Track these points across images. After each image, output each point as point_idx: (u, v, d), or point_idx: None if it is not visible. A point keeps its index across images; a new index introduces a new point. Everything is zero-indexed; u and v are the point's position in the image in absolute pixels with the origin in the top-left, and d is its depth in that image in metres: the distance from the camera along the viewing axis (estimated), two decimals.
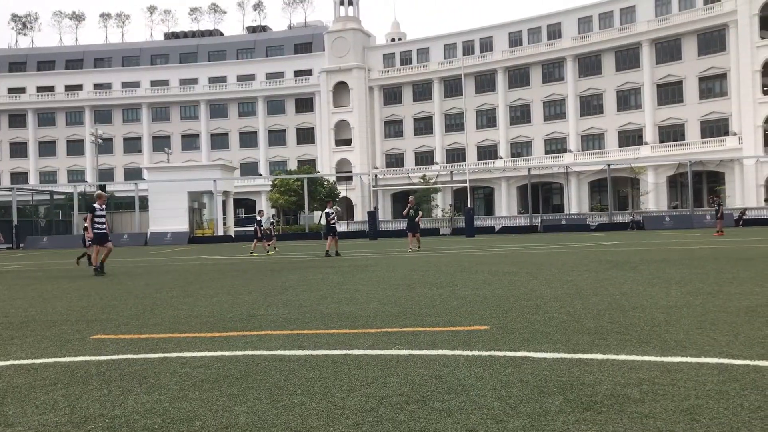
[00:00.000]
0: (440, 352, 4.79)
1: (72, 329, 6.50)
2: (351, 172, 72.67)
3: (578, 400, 3.45)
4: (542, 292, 8.40)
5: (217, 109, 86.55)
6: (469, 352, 4.73)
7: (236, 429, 3.17)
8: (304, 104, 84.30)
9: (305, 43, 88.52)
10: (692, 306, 6.71)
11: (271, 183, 66.65)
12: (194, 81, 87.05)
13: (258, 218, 25.14)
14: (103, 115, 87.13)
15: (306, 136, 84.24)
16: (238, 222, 69.78)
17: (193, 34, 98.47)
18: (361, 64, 79.85)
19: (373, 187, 55.52)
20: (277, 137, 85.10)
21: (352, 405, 3.50)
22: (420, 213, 23.78)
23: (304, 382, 4.03)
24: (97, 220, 14.81)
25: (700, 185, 59.97)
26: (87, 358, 5.00)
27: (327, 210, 21.55)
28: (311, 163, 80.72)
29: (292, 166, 78.64)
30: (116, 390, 3.96)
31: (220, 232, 51.74)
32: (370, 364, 4.47)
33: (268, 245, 24.87)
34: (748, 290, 7.89)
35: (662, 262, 13.25)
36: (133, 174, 78.53)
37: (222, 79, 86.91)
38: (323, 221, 26.33)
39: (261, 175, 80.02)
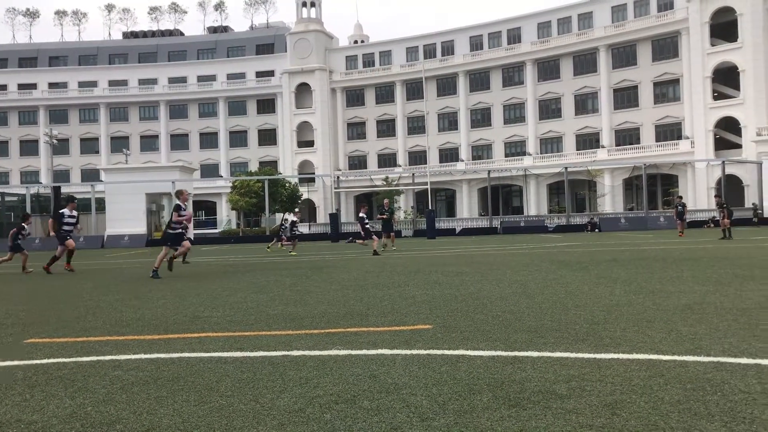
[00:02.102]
0: (379, 351, 4.78)
1: (6, 333, 6.30)
2: (313, 173, 72.41)
3: (506, 396, 3.48)
4: (490, 292, 8.47)
5: (177, 110, 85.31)
6: (408, 351, 4.73)
7: (158, 431, 3.10)
8: (266, 105, 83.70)
9: (267, 44, 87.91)
10: (633, 304, 6.85)
11: (231, 185, 65.92)
12: (154, 81, 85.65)
13: (289, 218, 26.10)
14: (58, 115, 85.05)
15: (268, 137, 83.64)
16: (198, 224, 68.83)
17: (153, 34, 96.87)
18: (323, 65, 79.67)
19: (336, 189, 55.39)
20: (238, 138, 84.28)
21: (281, 405, 3.46)
22: (394, 214, 24.48)
23: (236, 383, 3.97)
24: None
25: (655, 188, 61.47)
26: (16, 362, 4.85)
27: (293, 218, 22.52)
28: (273, 164, 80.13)
29: (254, 167, 77.95)
30: (39, 395, 3.84)
31: None
32: (306, 364, 4.43)
33: (269, 246, 25.80)
34: (688, 289, 8.10)
35: (612, 262, 13.51)
36: (90, 175, 76.80)
37: (182, 80, 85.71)
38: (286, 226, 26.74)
39: (222, 176, 79.13)
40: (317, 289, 9.78)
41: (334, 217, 43.81)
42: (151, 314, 7.38)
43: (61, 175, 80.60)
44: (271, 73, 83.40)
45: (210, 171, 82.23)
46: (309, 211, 72.77)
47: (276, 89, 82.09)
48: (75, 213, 16.80)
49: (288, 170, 77.18)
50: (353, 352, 4.78)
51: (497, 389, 3.63)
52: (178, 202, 13.99)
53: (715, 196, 29.73)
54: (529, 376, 3.90)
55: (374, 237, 21.36)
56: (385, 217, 23.61)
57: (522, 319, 6.12)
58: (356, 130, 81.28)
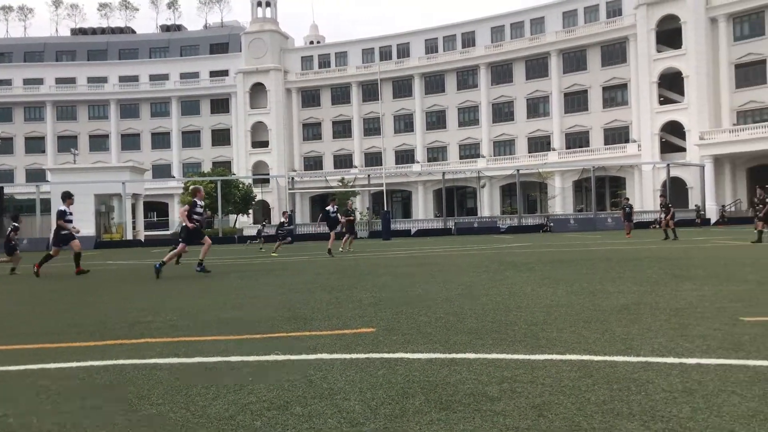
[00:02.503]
0: (319, 356, 4.77)
1: None
2: (268, 174, 71.79)
3: (438, 400, 3.51)
4: (436, 293, 8.55)
5: (129, 109, 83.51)
6: (347, 356, 4.73)
7: None
8: (220, 105, 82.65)
9: (221, 43, 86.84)
10: (572, 305, 7.00)
11: (184, 185, 64.78)
12: (104, 79, 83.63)
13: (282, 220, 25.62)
14: (2, 113, 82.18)
15: (222, 137, 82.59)
16: (149, 226, 67.48)
17: (103, 31, 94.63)
18: (278, 65, 79.09)
19: (290, 190, 55.03)
20: (191, 138, 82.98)
21: (212, 413, 3.41)
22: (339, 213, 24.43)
23: (168, 390, 3.90)
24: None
25: (603, 189, 63.01)
26: None
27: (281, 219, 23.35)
28: (227, 165, 79.15)
29: (207, 168, 76.85)
30: None
31: (130, 237, 49.80)
32: (242, 370, 4.39)
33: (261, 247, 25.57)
34: (627, 289, 8.32)
35: (558, 262, 13.79)
36: (36, 175, 74.38)
37: (134, 78, 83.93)
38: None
39: (174, 177, 77.72)
40: (265, 292, 9.70)
41: (289, 219, 43.43)
42: (91, 320, 7.19)
43: (5, 175, 77.92)
44: (225, 73, 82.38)
45: (162, 171, 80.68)
46: (263, 212, 72.08)
47: (230, 89, 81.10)
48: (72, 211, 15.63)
49: (242, 171, 76.32)
50: (292, 357, 4.75)
51: (430, 392, 3.66)
52: (194, 199, 14.00)
53: (660, 196, 30.67)
54: (463, 379, 3.94)
55: (331, 235, 21.33)
56: (351, 218, 23.82)
57: (464, 320, 6.19)
58: (312, 131, 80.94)
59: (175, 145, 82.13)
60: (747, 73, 55.21)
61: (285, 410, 3.42)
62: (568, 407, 3.30)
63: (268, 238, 26.52)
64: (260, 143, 79.71)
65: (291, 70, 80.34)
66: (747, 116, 55.25)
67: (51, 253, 15.56)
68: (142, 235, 53.78)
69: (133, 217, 53.58)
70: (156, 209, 79.03)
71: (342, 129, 79.37)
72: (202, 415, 3.39)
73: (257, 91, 79.47)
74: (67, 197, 15.27)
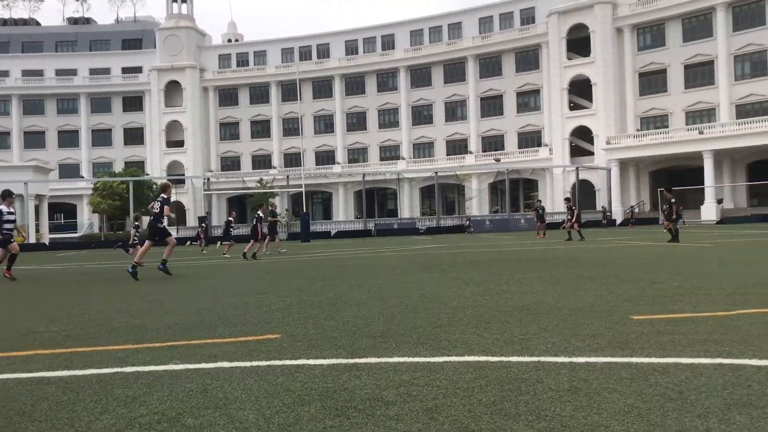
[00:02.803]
0: (219, 364, 4.67)
1: None
2: (183, 175, 69.80)
3: (335, 406, 3.51)
4: (348, 297, 8.56)
5: (33, 105, 79.14)
6: (248, 363, 4.66)
7: None
8: (133, 103, 79.70)
9: (134, 39, 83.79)
10: (477, 306, 7.18)
11: (93, 186, 62.04)
12: (5, 73, 78.93)
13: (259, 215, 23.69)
14: None
15: (134, 136, 79.67)
16: (55, 228, 64.22)
17: (5, 22, 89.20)
18: (194, 63, 77.10)
19: (206, 191, 53.73)
20: (101, 137, 79.59)
21: (98, 428, 3.28)
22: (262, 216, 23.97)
23: (54, 406, 3.72)
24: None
25: (517, 192, 65.08)
26: None
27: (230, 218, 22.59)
28: (140, 165, 76.40)
29: (119, 168, 73.89)
30: None
31: (33, 240, 47.21)
32: (137, 381, 4.24)
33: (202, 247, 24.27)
34: (531, 289, 8.62)
35: (470, 264, 14.11)
36: None
37: (38, 73, 79.65)
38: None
39: (83, 177, 74.28)
40: (171, 298, 9.41)
41: (203, 221, 42.43)
42: None
43: None
44: (138, 70, 79.51)
45: (70, 171, 76.96)
46: (177, 213, 70.02)
47: (144, 86, 78.35)
48: (14, 210, 14.47)
49: (156, 171, 73.87)
50: (191, 366, 4.63)
51: (327, 399, 3.66)
52: (165, 195, 13.66)
53: (565, 199, 31.97)
54: (362, 384, 3.96)
55: (252, 240, 20.88)
56: (277, 220, 23.57)
57: (371, 324, 6.23)
58: (229, 131, 79.36)
59: (84, 144, 78.52)
60: (650, 81, 58.44)
61: (177, 422, 3.33)
62: (459, 409, 3.38)
63: (214, 239, 25.30)
64: (175, 143, 77.42)
65: (208, 68, 78.51)
66: (650, 122, 58.48)
67: (13, 253, 14.38)
68: (46, 238, 51.12)
69: (37, 219, 50.82)
70: (63, 211, 75.25)
71: (260, 129, 78.27)
72: (87, 431, 3.25)
73: (172, 89, 77.14)
74: (7, 195, 14.24)
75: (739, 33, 52.81)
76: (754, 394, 3.45)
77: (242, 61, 79.50)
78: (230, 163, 78.79)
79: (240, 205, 67.69)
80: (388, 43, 74.05)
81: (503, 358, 4.52)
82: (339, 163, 73.45)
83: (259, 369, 4.48)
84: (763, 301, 6.77)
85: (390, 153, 73.24)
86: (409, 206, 69.04)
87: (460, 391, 3.72)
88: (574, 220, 27.06)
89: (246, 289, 10.34)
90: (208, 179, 58.09)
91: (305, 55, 77.19)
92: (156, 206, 13.55)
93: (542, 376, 4.00)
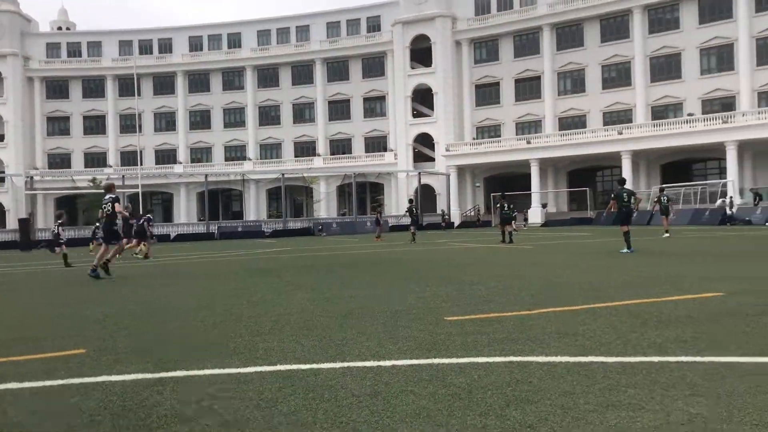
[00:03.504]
0: (5, 386, 4.27)
1: None
2: (3, 172, 63.23)
3: (127, 425, 3.35)
4: (173, 305, 8.23)
5: None
6: (40, 383, 4.31)
7: None
8: None
9: None
10: (304, 311, 7.21)
11: None
12: None
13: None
14: None
15: None
16: None
17: None
18: (17, 50, 70.21)
19: (28, 190, 49.11)
20: None
21: None
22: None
23: None
24: None
25: (364, 195, 66.39)
26: None
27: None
28: None
29: None
30: None
31: None
32: None
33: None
34: (360, 293, 8.81)
35: (308, 268, 14.14)
36: None
37: None
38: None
39: None
40: None
41: (25, 223, 38.73)
42: None
43: None
44: None
45: None
46: None
47: None
48: None
49: None
50: None
51: (120, 418, 3.48)
52: (112, 195, 13.18)
53: (409, 201, 33.56)
54: (163, 400, 3.81)
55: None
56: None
57: (191, 334, 6.03)
58: (59, 126, 73.15)
59: None
60: (485, 93, 62.23)
61: None
62: (258, 421, 3.36)
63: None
64: None
65: (34, 56, 71.80)
66: (484, 131, 62.25)
67: None
68: None
69: None
70: None
71: (95, 125, 72.98)
72: None
73: None
74: None
75: (563, 52, 57.81)
76: (533, 390, 3.77)
77: (74, 51, 73.68)
78: (59, 161, 72.63)
79: (70, 206, 62.50)
80: (235, 41, 72.27)
81: (314, 366, 4.57)
82: (181, 163, 70.44)
83: (52, 389, 4.17)
84: (562, 300, 7.45)
85: (236, 153, 71.50)
86: (255, 208, 67.85)
87: (263, 402, 3.70)
88: (411, 223, 28.33)
89: (65, 299, 9.58)
90: (32, 177, 53.16)
91: (145, 49, 73.15)
92: (108, 208, 13.01)
93: (348, 381, 4.10)
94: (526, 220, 49.19)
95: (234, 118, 71.71)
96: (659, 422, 3.14)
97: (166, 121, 72.73)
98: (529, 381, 3.96)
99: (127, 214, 14.84)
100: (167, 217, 69.60)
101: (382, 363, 4.56)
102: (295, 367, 4.56)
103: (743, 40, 48.32)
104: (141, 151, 57.97)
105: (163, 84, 72.34)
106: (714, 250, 16.15)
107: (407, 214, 30.39)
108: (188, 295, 9.51)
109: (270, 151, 70.81)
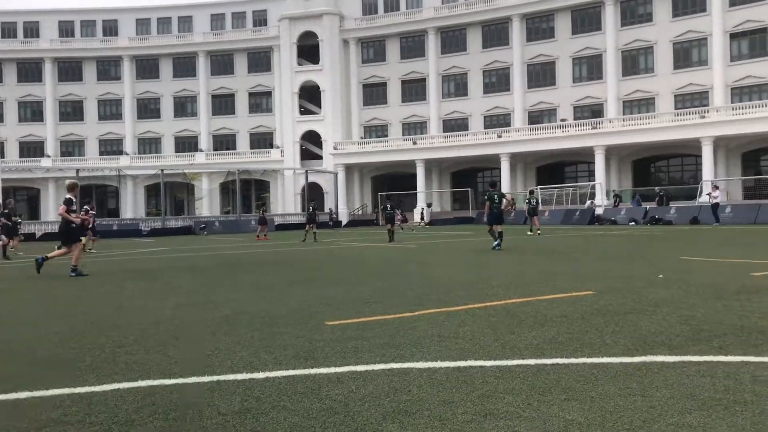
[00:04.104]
0: None
1: None
2: None
3: None
4: (23, 313, 7.43)
5: None
6: None
7: None
8: None
9: None
10: (175, 319, 6.72)
11: None
12: None
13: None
14: None
15: None
16: None
17: None
18: None
19: None
20: None
21: None
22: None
23: None
24: None
25: (249, 192, 64.86)
26: None
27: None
28: None
29: None
30: None
31: None
32: None
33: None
34: (238, 297, 8.39)
35: (185, 269, 13.43)
36: None
37: None
38: None
39: None
40: None
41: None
42: None
43: None
44: None
45: None
46: None
47: None
48: None
49: None
50: None
51: None
52: (68, 195, 12.52)
53: (311, 201, 34.18)
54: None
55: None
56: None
57: (38, 347, 5.42)
58: None
59: None
60: (372, 93, 62.62)
61: None
62: None
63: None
64: None
65: None
66: (372, 131, 62.64)
67: None
68: None
69: None
70: None
71: None
72: None
73: None
74: None
75: (446, 56, 59.32)
76: (412, 399, 3.63)
77: None
78: None
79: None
80: (111, 28, 68.17)
81: (179, 380, 4.19)
82: (49, 156, 65.50)
83: None
84: (444, 301, 7.45)
85: (111, 147, 67.45)
86: (132, 206, 64.41)
87: (116, 426, 3.31)
88: (307, 222, 28.29)
89: None
90: None
91: (9, 32, 67.42)
92: (74, 207, 12.55)
93: (215, 398, 3.77)
94: (414, 220, 50.04)
95: (109, 110, 67.71)
96: (536, 431, 3.08)
97: (32, 111, 67.44)
98: (408, 390, 3.82)
99: (69, 216, 12.25)
100: (33, 214, 64.45)
101: (255, 375, 4.26)
102: (158, 382, 4.15)
103: (611, 52, 51.78)
104: (2, 143, 53.30)
105: (29, 71, 67.08)
106: (584, 248, 17.05)
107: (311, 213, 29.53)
108: (39, 302, 8.67)
109: (149, 145, 67.47)
